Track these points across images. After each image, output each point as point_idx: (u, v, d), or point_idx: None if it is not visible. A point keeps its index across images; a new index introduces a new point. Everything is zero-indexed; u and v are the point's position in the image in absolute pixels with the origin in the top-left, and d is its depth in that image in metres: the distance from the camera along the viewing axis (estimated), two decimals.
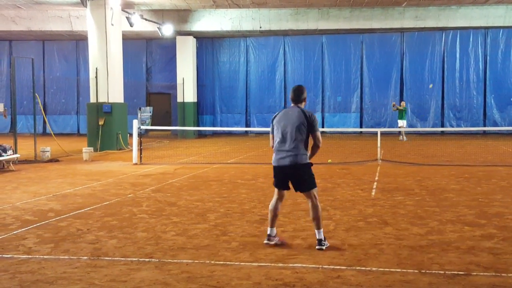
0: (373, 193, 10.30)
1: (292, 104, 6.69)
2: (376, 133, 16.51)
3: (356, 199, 9.69)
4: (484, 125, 27.42)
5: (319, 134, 6.61)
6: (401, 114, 24.61)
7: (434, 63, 28.33)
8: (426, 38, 28.20)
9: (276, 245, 6.44)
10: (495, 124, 27.36)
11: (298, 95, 6.66)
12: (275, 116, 6.73)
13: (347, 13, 25.81)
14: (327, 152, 18.62)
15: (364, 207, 8.91)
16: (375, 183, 11.53)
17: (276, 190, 6.67)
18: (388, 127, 27.53)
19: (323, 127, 28.71)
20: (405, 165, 14.87)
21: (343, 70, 29.05)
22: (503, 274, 5.35)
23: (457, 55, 28.10)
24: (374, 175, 12.81)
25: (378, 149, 15.82)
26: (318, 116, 28.80)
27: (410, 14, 25.69)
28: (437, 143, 22.77)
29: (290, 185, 6.60)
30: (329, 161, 15.74)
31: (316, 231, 6.42)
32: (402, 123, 24.36)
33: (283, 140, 6.47)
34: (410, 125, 28.02)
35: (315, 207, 6.40)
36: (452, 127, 27.71)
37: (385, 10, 25.56)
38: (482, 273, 5.38)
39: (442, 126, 27.98)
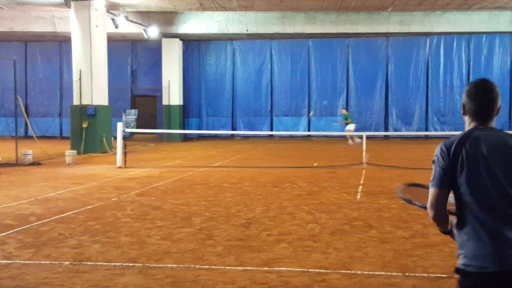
0: (358, 197, 10.32)
1: (474, 124, 2.99)
2: (361, 137, 16.54)
3: (342, 202, 9.70)
4: None
5: None
6: (349, 119, 25.25)
7: (418, 67, 28.53)
8: (411, 43, 28.40)
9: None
10: None
11: (490, 101, 3.06)
12: (457, 148, 2.85)
13: (333, 17, 25.90)
14: (313, 156, 18.66)
15: (349, 210, 8.92)
16: (360, 187, 11.56)
17: None
18: (374, 131, 27.65)
19: (309, 130, 28.86)
20: (390, 169, 14.93)
21: (329, 74, 29.14)
22: None
23: (441, 60, 28.33)
24: (360, 179, 12.85)
25: (364, 153, 15.87)
26: (304, 120, 28.97)
27: (396, 19, 25.85)
28: (422, 146, 22.91)
29: None
30: (315, 164, 15.77)
31: None
32: (351, 126, 24.80)
33: (501, 209, 2.76)
34: (395, 129, 28.22)
35: None
36: (436, 131, 27.90)
37: (370, 15, 25.69)
38: None
39: (426, 130, 28.16)
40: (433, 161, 2.98)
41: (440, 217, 3.00)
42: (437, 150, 2.97)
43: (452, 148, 2.86)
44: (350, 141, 24.68)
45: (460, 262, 2.89)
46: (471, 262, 2.82)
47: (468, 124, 3.01)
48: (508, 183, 2.77)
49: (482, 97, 3.01)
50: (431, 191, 2.98)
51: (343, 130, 26.00)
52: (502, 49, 27.86)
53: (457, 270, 2.92)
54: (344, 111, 25.96)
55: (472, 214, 2.82)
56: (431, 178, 2.95)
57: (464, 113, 3.04)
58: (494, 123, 3.04)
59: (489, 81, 3.12)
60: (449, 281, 5.26)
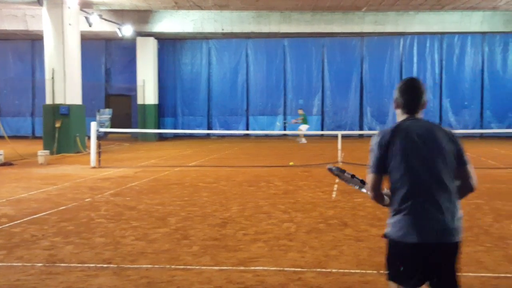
0: (333, 195, 10.37)
1: (404, 116, 3.48)
2: (337, 136, 16.64)
3: (317, 201, 9.74)
4: None
5: (472, 167, 3.45)
6: (305, 120, 25.78)
7: (392, 67, 28.81)
8: (385, 43, 28.66)
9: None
10: (450, 127, 27.41)
11: (417, 97, 3.52)
12: (390, 137, 3.33)
13: (308, 16, 26.00)
14: (289, 155, 18.71)
15: (324, 209, 8.95)
16: (336, 186, 11.61)
17: None
18: (349, 130, 27.85)
19: (284, 129, 28.94)
20: (365, 168, 14.93)
21: (305, 73, 29.26)
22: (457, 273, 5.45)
23: (415, 60, 28.66)
24: (335, 178, 12.84)
25: (339, 152, 15.96)
26: (280, 120, 29.04)
27: (370, 19, 26.05)
28: None
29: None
30: (290, 163, 15.81)
31: None
32: (304, 127, 25.38)
33: (422, 189, 3.24)
34: (369, 128, 28.44)
35: None
36: None
37: (345, 15, 25.84)
38: None
39: None
40: (370, 150, 3.43)
41: (378, 198, 3.43)
42: (372, 140, 3.43)
43: (386, 138, 3.33)
44: (301, 139, 25.58)
45: (388, 230, 3.31)
46: (398, 233, 3.25)
47: (399, 116, 3.51)
48: (432, 164, 3.25)
49: (411, 93, 3.50)
50: (370, 176, 3.44)
51: (315, 129, 26.21)
52: (474, 49, 28.28)
53: (385, 235, 3.34)
54: (300, 111, 26.46)
55: (402, 192, 3.27)
56: (369, 165, 3.42)
57: (396, 107, 3.55)
58: (421, 115, 3.52)
59: (417, 80, 3.58)
60: None
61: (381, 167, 3.36)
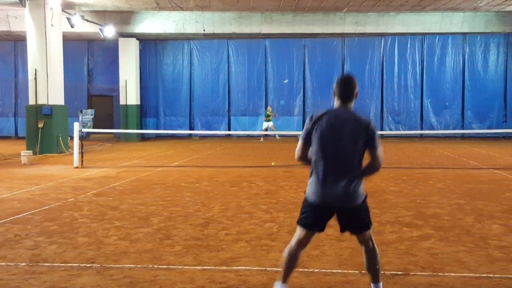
0: None
1: (337, 104, 4.50)
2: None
3: (299, 201, 9.68)
4: (421, 129, 28.30)
5: (381, 151, 4.46)
6: (268, 117, 26.43)
7: (373, 68, 29.03)
8: (366, 43, 28.87)
9: None
10: (432, 128, 28.29)
11: (349, 89, 4.49)
12: (318, 118, 4.40)
13: (289, 17, 26.11)
14: (271, 155, 18.78)
15: None
16: None
17: (301, 231, 4.58)
18: None
19: (266, 129, 28.98)
20: None
21: (286, 74, 29.37)
22: (439, 274, 5.53)
23: (395, 60, 28.90)
24: None
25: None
26: (261, 120, 29.12)
27: (351, 20, 26.22)
28: None
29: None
30: (272, 163, 15.87)
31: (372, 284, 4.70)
32: (267, 124, 26.08)
33: (333, 164, 4.31)
34: None
35: (374, 252, 4.66)
36: (391, 130, 28.46)
37: (326, 16, 25.99)
38: (419, 273, 5.55)
39: (382, 129, 28.63)
40: (305, 124, 4.47)
41: (303, 159, 4.54)
42: (308, 117, 4.47)
43: (316, 117, 4.41)
44: (262, 139, 26.23)
45: (306, 191, 4.49)
46: (311, 196, 4.44)
47: (335, 103, 4.52)
48: (344, 143, 4.28)
49: (344, 86, 4.50)
50: (299, 143, 4.49)
51: (297, 129, 26.26)
52: (455, 49, 28.59)
53: (305, 196, 4.52)
54: (269, 108, 26.98)
55: (317, 163, 4.38)
56: (301, 135, 4.47)
57: (334, 96, 4.53)
58: (351, 104, 4.52)
59: (350, 76, 4.59)
60: (405, 278, 5.38)
61: (307, 138, 4.45)
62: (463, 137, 28.09)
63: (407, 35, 28.04)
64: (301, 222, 4.55)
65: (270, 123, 26.75)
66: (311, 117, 4.43)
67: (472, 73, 28.55)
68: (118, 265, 5.83)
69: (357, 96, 4.57)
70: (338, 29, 26.57)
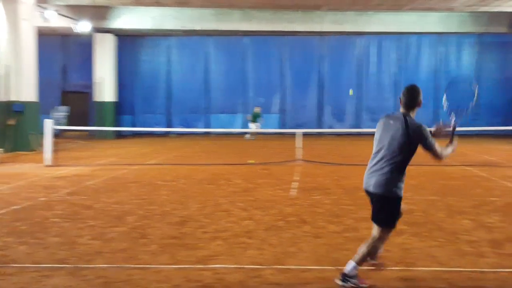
0: (292, 193, 10.42)
1: (401, 108, 5.13)
2: (296, 134, 16.73)
3: (276, 198, 9.77)
4: None
5: (437, 149, 5.12)
6: (254, 118, 26.09)
7: (351, 66, 29.21)
8: (344, 42, 29.02)
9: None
10: None
11: (409, 97, 5.09)
12: (381, 119, 5.24)
13: (269, 15, 26.05)
14: (248, 153, 18.74)
15: (283, 206, 8.99)
16: (295, 183, 11.68)
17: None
18: (308, 128, 28.03)
19: (245, 127, 28.95)
20: (324, 165, 15.17)
21: (265, 72, 29.39)
22: (411, 268, 5.61)
23: (373, 59, 29.10)
24: (294, 175, 12.98)
25: (298, 150, 16.05)
26: (240, 118, 29.07)
27: (329, 18, 26.28)
28: (354, 143, 23.42)
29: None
30: (250, 161, 15.82)
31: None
32: (254, 125, 25.86)
33: (377, 154, 5.08)
34: (328, 126, 28.74)
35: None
36: (368, 128, 28.59)
37: (305, 14, 26.01)
38: (393, 268, 5.61)
39: (359, 127, 28.84)
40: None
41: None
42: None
43: (381, 119, 5.20)
44: (248, 136, 26.11)
45: (400, 190, 5.05)
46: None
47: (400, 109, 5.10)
48: (388, 141, 4.96)
49: (405, 94, 5.09)
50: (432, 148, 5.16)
51: (275, 127, 26.33)
52: (430, 49, 28.95)
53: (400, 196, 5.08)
54: (256, 109, 26.67)
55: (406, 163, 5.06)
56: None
57: (400, 103, 5.07)
58: (412, 111, 5.10)
59: (413, 86, 5.16)
60: (379, 273, 5.40)
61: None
62: None
63: (384, 34, 28.24)
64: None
65: (259, 124, 26.23)
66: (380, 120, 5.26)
67: (446, 72, 28.89)
68: (91, 265, 5.71)
69: (420, 105, 5.10)
70: (317, 27, 26.62)
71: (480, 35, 28.09)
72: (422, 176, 12.76)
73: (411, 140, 4.90)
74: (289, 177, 12.63)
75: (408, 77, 28.94)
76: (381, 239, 5.04)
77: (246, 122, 29.21)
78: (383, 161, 4.94)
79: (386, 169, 4.92)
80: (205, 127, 29.21)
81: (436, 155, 5.05)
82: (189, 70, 29.66)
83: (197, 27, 26.35)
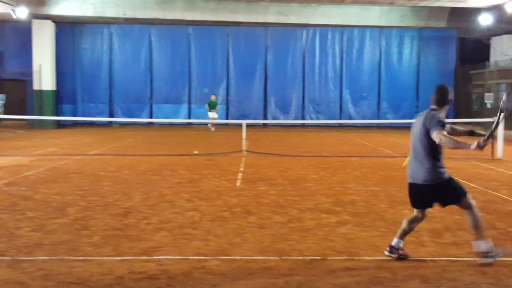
0: (237, 184, 10.45)
1: (433, 107, 5.59)
2: (241, 125, 16.76)
3: (222, 189, 9.78)
4: (340, 118, 29.05)
5: (435, 134, 5.28)
6: (213, 107, 25.59)
7: (296, 58, 29.45)
8: (289, 34, 29.23)
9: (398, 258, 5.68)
10: (350, 117, 29.13)
11: (439, 95, 5.58)
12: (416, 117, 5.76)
13: (213, 5, 25.90)
14: (193, 143, 18.65)
15: (229, 197, 9.01)
16: (240, 174, 11.72)
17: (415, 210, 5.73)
18: (253, 119, 28.17)
19: (189, 118, 28.81)
20: (268, 156, 15.27)
21: (210, 62, 29.28)
22: (355, 258, 5.72)
23: (317, 51, 29.47)
24: (239, 166, 13.02)
25: (243, 141, 16.10)
26: (184, 108, 28.88)
27: (274, 10, 26.37)
28: (298, 135, 23.68)
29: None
30: (195, 152, 15.76)
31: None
32: (212, 115, 25.37)
33: (412, 148, 5.60)
34: (273, 117, 28.94)
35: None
36: (312, 119, 29.02)
37: (250, 4, 26.00)
38: (337, 257, 5.70)
39: (303, 118, 29.18)
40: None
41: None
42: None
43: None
44: (210, 125, 25.74)
45: (445, 171, 5.49)
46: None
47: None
48: (415, 136, 5.50)
49: (436, 93, 5.55)
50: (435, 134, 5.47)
51: (220, 118, 26.30)
52: (372, 42, 29.51)
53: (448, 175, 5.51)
54: (213, 97, 26.19)
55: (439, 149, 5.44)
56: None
57: (431, 101, 5.57)
58: (442, 108, 5.53)
59: (442, 86, 5.63)
60: (323, 263, 5.50)
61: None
62: (378, 126, 29.05)
63: (328, 26, 28.59)
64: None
65: (216, 115, 25.59)
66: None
67: (387, 66, 29.64)
68: (31, 258, 5.57)
69: (451, 104, 5.60)
70: (261, 18, 26.66)
71: (420, 29, 28.86)
72: (364, 167, 13.05)
73: (426, 129, 5.35)
74: (234, 168, 12.66)
75: (352, 69, 29.51)
76: (470, 206, 5.46)
77: (190, 112, 29.14)
78: (418, 155, 5.45)
79: (423, 162, 5.40)
80: (148, 117, 28.88)
81: (440, 142, 5.28)
82: (131, 59, 29.19)
83: (140, 15, 25.91)
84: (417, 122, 5.54)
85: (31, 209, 7.93)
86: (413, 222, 5.69)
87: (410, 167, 5.56)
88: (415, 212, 5.66)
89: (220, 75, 29.37)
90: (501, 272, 5.30)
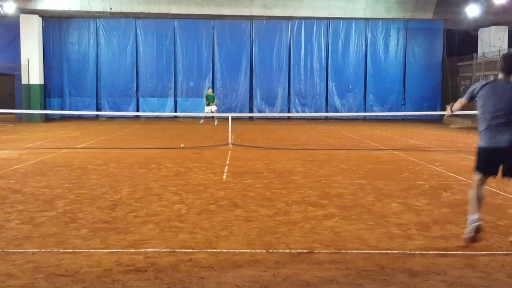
0: (224, 177, 10.54)
1: (500, 76, 5.88)
2: (227, 118, 16.85)
3: (208, 182, 9.86)
4: (326, 111, 29.16)
5: None
6: (211, 100, 25.60)
7: (281, 50, 29.50)
8: (274, 27, 29.26)
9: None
10: (336, 110, 29.24)
11: (509, 63, 5.82)
12: (483, 85, 5.90)
13: None
14: (180, 137, 18.69)
15: (215, 190, 9.10)
16: (226, 167, 11.81)
17: (480, 176, 5.95)
18: (239, 112, 28.23)
19: (175, 111, 28.82)
20: (254, 149, 15.36)
21: (195, 55, 29.26)
22: (342, 251, 5.76)
23: (302, 44, 29.51)
24: (226, 159, 13.10)
25: (229, 134, 16.19)
26: (170, 101, 28.90)
27: (259, 3, 26.41)
28: (284, 127, 23.77)
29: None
30: (181, 145, 15.82)
31: None
32: (210, 108, 25.38)
33: (497, 117, 5.76)
34: (259, 110, 29.01)
35: None
36: (298, 112, 29.12)
37: None
38: (324, 250, 5.75)
39: (289, 111, 29.26)
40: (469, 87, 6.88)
41: (456, 110, 6.50)
42: (474, 85, 6.06)
43: (478, 86, 5.93)
44: (202, 121, 25.72)
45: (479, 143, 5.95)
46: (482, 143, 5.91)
47: (499, 76, 5.87)
48: (506, 102, 5.69)
49: (505, 61, 5.80)
50: (462, 99, 6.29)
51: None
52: (358, 34, 29.59)
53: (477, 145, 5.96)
54: (209, 91, 26.17)
55: (482, 118, 5.89)
56: (465, 95, 6.22)
57: (498, 70, 5.84)
58: (510, 76, 5.78)
59: (510, 53, 6.00)
60: (310, 256, 5.57)
61: (469, 98, 6.04)
62: (365, 119, 29.22)
63: (313, 19, 28.67)
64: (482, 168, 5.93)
65: (214, 108, 25.50)
66: (475, 86, 5.92)
67: (373, 58, 29.73)
68: (20, 250, 5.65)
69: None
70: (246, 12, 26.70)
71: (406, 21, 28.99)
72: (351, 160, 13.16)
73: None
74: (220, 161, 12.75)
75: (337, 62, 29.59)
76: None
77: (176, 105, 29.16)
78: (509, 119, 5.67)
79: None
80: (135, 111, 28.85)
81: None
82: (118, 52, 29.13)
83: (126, 9, 25.87)
84: (504, 91, 5.72)
85: (20, 202, 8.00)
86: (481, 186, 5.93)
87: (494, 133, 5.74)
88: (479, 176, 5.92)
89: (206, 68, 29.39)
90: (490, 265, 5.32)
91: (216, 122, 24.99)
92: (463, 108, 6.40)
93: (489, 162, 5.86)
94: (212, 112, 25.04)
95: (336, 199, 8.49)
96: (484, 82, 5.90)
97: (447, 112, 6.59)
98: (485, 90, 5.82)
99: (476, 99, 5.96)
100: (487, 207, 7.90)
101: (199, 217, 7.21)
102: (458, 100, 6.33)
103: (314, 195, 8.79)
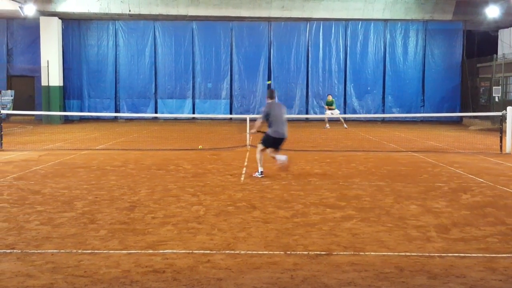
0: (242, 178, 10.54)
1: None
2: (245, 120, 16.83)
3: (226, 184, 9.87)
4: (345, 113, 28.99)
5: None
6: (330, 105, 25.06)
7: (299, 52, 29.42)
8: (292, 28, 29.19)
9: None
10: (354, 112, 29.10)
11: None
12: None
13: (216, 0, 25.93)
14: (198, 138, 18.74)
15: (233, 192, 9.10)
16: (244, 169, 11.81)
17: None
18: (257, 114, 28.18)
19: (193, 113, 28.90)
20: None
21: (213, 57, 29.30)
22: (360, 253, 5.72)
23: (320, 45, 29.39)
24: (243, 161, 13.10)
25: (247, 135, 16.17)
26: (188, 103, 29.01)
27: (277, 4, 26.38)
28: (303, 129, 23.70)
29: None
30: (199, 147, 15.85)
31: None
32: (331, 112, 24.78)
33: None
34: None
35: None
36: (316, 114, 29.00)
37: None
38: (342, 253, 5.72)
39: (307, 113, 29.18)
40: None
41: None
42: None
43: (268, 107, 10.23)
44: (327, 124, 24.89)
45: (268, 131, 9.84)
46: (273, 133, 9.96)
47: None
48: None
49: None
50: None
51: (224, 113, 26.24)
52: (377, 36, 29.40)
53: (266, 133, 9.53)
54: (329, 97, 25.57)
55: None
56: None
57: None
58: None
59: None
60: (328, 258, 5.54)
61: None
62: (383, 120, 29.04)
63: (331, 20, 28.55)
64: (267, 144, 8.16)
65: (336, 111, 24.99)
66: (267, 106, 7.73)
67: (392, 59, 29.51)
68: (40, 251, 5.69)
69: None
70: (264, 13, 26.68)
71: (425, 22, 28.76)
72: (369, 162, 13.08)
73: None
74: (238, 163, 12.75)
75: (355, 63, 29.44)
76: None
77: (194, 106, 29.21)
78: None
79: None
80: (153, 112, 28.99)
81: None
82: (136, 54, 29.29)
83: (144, 11, 26.01)
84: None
85: (39, 203, 8.07)
86: None
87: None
88: None
89: (224, 70, 29.42)
90: (511, 268, 5.25)
91: (345, 125, 24.58)
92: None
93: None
94: (332, 115, 24.60)
95: (354, 200, 8.45)
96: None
97: None
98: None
99: None
100: (508, 209, 7.81)
101: (217, 218, 7.21)
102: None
103: (332, 196, 8.76)
